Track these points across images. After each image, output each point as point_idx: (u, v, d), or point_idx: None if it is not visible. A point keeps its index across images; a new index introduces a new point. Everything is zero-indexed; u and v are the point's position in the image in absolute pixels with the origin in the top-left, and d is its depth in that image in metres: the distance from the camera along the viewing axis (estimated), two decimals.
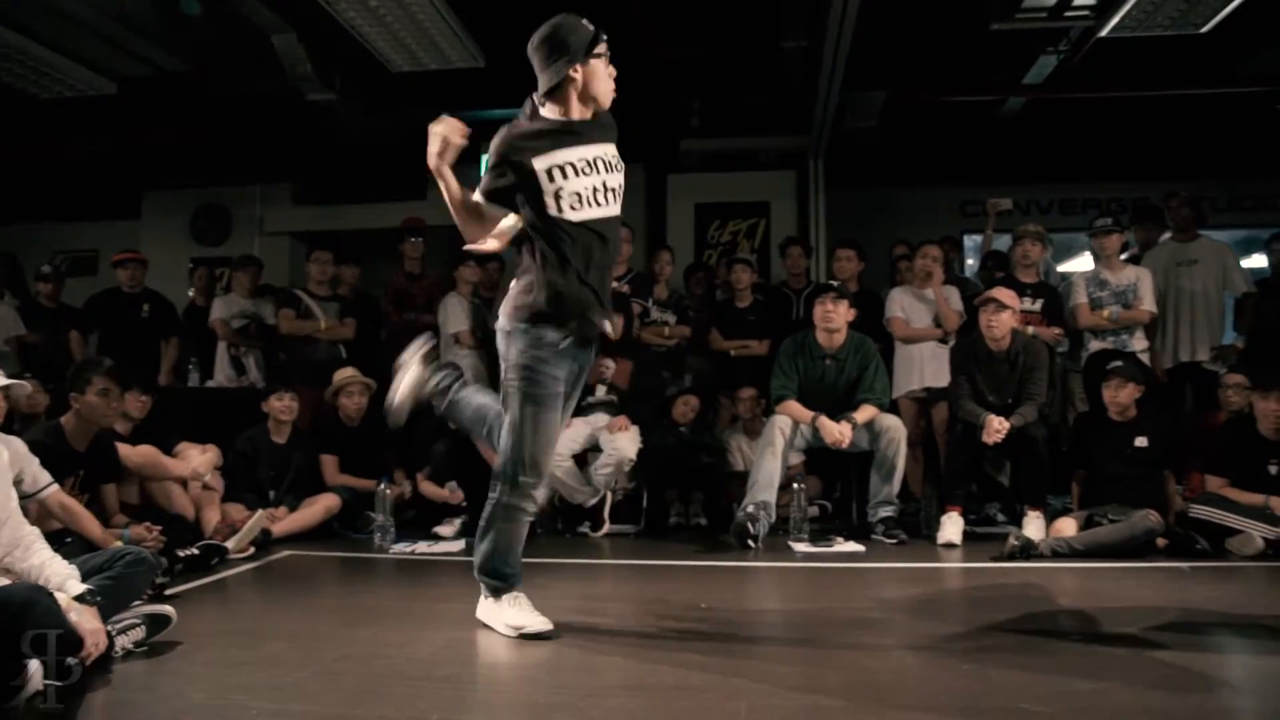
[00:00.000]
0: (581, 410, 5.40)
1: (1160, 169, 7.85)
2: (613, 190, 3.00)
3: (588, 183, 2.92)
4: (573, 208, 2.89)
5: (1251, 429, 4.66)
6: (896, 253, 6.67)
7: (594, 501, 5.28)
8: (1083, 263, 7.19)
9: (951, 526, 4.76)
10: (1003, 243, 6.78)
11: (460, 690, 2.44)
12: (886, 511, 4.94)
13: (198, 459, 4.80)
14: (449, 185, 2.88)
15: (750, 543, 4.64)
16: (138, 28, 6.07)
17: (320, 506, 5.12)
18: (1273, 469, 4.57)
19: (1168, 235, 6.01)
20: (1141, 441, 4.74)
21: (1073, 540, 4.36)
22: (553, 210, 2.88)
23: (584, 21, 2.89)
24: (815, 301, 5.18)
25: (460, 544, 4.76)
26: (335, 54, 6.43)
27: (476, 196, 2.93)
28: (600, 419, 5.36)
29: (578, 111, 2.94)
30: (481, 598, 3.03)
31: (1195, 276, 5.72)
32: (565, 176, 2.88)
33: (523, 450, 2.88)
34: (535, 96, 2.94)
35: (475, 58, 6.10)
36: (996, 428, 4.70)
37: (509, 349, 2.94)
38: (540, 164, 2.86)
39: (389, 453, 5.59)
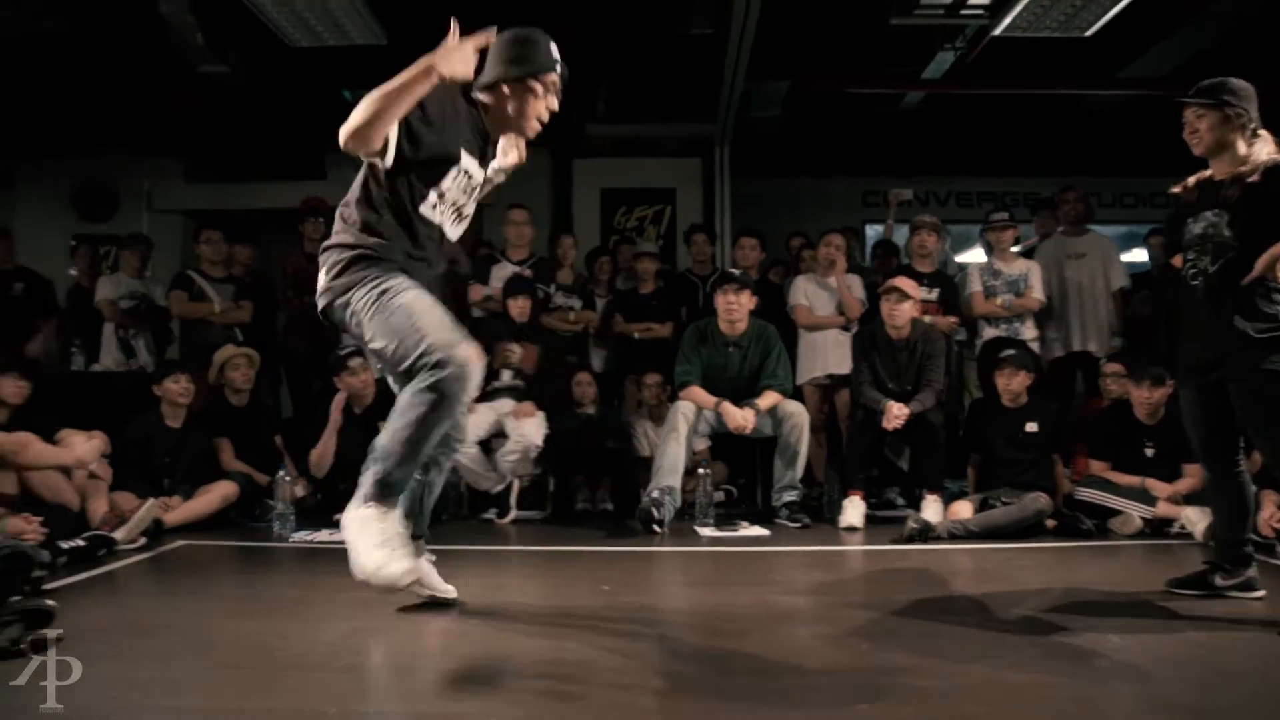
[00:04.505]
0: (487, 396, 5.36)
1: (1050, 165, 8.21)
2: (466, 218, 2.91)
3: (461, 201, 2.82)
4: (435, 207, 2.76)
5: (1129, 414, 4.92)
6: (794, 244, 6.81)
7: (500, 488, 5.24)
8: (977, 254, 7.45)
9: (853, 510, 4.89)
10: (903, 233, 6.98)
11: (360, 680, 2.39)
12: (790, 496, 5.04)
13: (83, 446, 4.55)
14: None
15: (656, 527, 4.67)
16: None
17: (217, 494, 4.94)
18: (1148, 452, 4.84)
19: (1059, 229, 6.27)
20: (1031, 427, 4.95)
21: (968, 523, 4.53)
22: (422, 202, 2.72)
23: (552, 47, 2.77)
24: (717, 292, 5.24)
25: None
26: (229, 26, 6.17)
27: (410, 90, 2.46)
28: (506, 405, 5.32)
29: (493, 125, 2.82)
30: (356, 502, 2.61)
31: (1083, 268, 5.99)
32: (456, 185, 2.77)
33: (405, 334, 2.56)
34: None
35: (377, 35, 5.93)
36: (896, 414, 4.84)
37: (347, 298, 2.66)
38: (466, 160, 2.75)
39: (278, 436, 5.46)
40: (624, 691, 2.25)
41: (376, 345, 2.64)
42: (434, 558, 3.12)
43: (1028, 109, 7.89)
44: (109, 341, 6.34)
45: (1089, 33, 5.88)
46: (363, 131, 2.47)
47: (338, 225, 2.77)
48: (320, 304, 2.77)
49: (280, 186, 7.78)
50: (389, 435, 2.57)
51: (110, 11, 6.01)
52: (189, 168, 8.37)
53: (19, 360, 5.05)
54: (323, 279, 2.74)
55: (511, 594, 3.50)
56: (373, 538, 2.55)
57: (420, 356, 2.52)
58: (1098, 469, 4.95)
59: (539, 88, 2.75)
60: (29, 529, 3.82)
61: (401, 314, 2.57)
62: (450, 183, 2.75)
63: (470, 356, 2.53)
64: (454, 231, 2.88)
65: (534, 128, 2.81)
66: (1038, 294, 5.75)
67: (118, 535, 4.20)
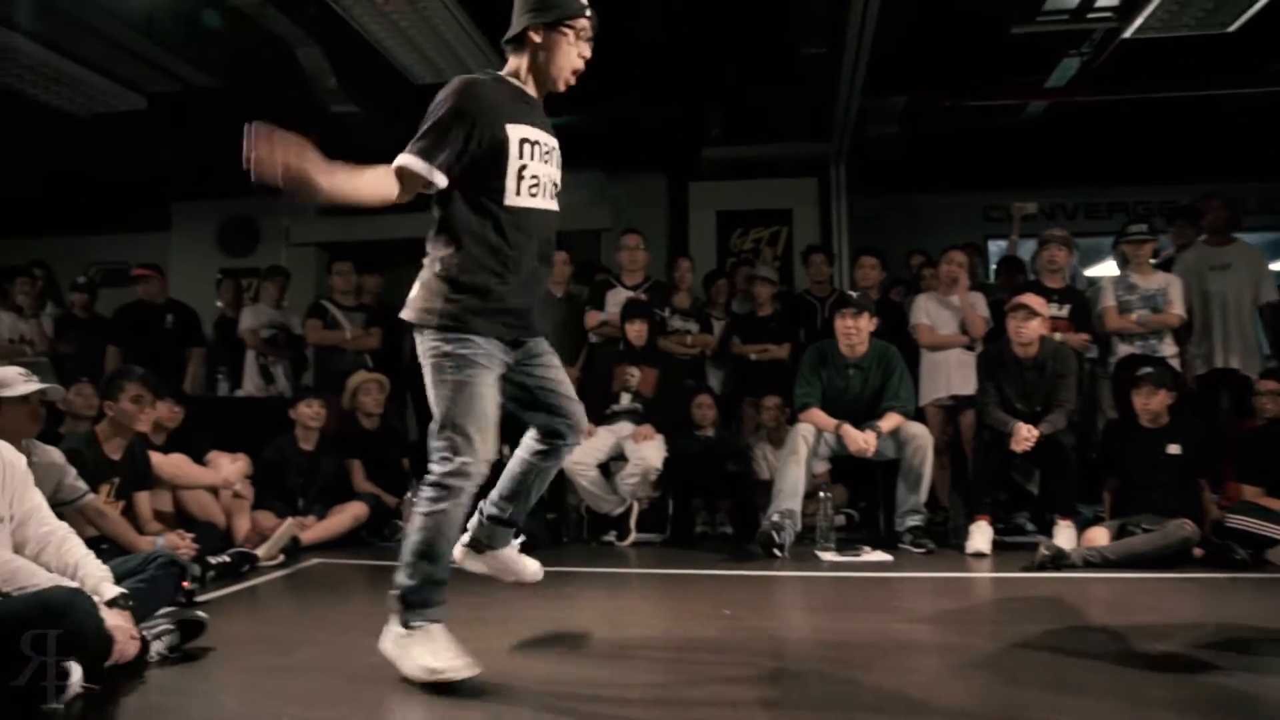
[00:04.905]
0: (606, 419, 5.43)
1: (1188, 171, 7.76)
2: (558, 188, 2.70)
3: (545, 170, 2.61)
4: (531, 193, 2.58)
5: None
6: (914, 262, 6.66)
7: (620, 510, 5.28)
8: (1108, 268, 7.13)
9: (980, 536, 4.72)
10: (1027, 248, 6.74)
11: (489, 699, 2.44)
12: (914, 520, 4.91)
13: (228, 468, 4.87)
14: (336, 180, 2.47)
15: (776, 552, 4.62)
16: (166, 44, 6.17)
17: (348, 515, 5.16)
18: None
19: (1201, 238, 5.94)
20: (1174, 449, 4.68)
21: (1105, 550, 4.31)
22: (511, 193, 2.54)
23: None
24: (836, 315, 5.17)
25: None
26: (358, 66, 6.49)
27: (415, 169, 2.51)
28: (625, 428, 5.37)
29: (531, 85, 2.64)
30: (390, 623, 2.52)
31: (1228, 280, 5.65)
32: (532, 156, 2.56)
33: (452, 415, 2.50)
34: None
35: (496, 68, 6.11)
36: (1025, 436, 4.66)
37: (421, 348, 2.60)
38: (514, 132, 2.52)
39: (406, 459, 5.65)
40: None
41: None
42: (520, 540, 3.07)
43: (1161, 112, 7.51)
44: (251, 368, 6.72)
45: (1232, 28, 5.57)
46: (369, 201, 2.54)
47: (426, 274, 2.64)
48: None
49: (405, 218, 8.05)
50: (408, 546, 2.52)
51: (252, 62, 6.42)
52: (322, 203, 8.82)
53: (175, 387, 5.42)
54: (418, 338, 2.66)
55: (632, 617, 3.52)
56: (420, 656, 2.44)
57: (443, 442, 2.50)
58: (1251, 494, 4.62)
59: (570, 33, 2.58)
60: (183, 545, 4.08)
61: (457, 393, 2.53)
62: (517, 161, 2.55)
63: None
64: (551, 204, 2.69)
65: (567, 79, 2.64)
66: (1178, 309, 5.44)
67: (259, 552, 4.45)
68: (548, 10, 2.57)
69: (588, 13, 2.62)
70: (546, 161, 2.62)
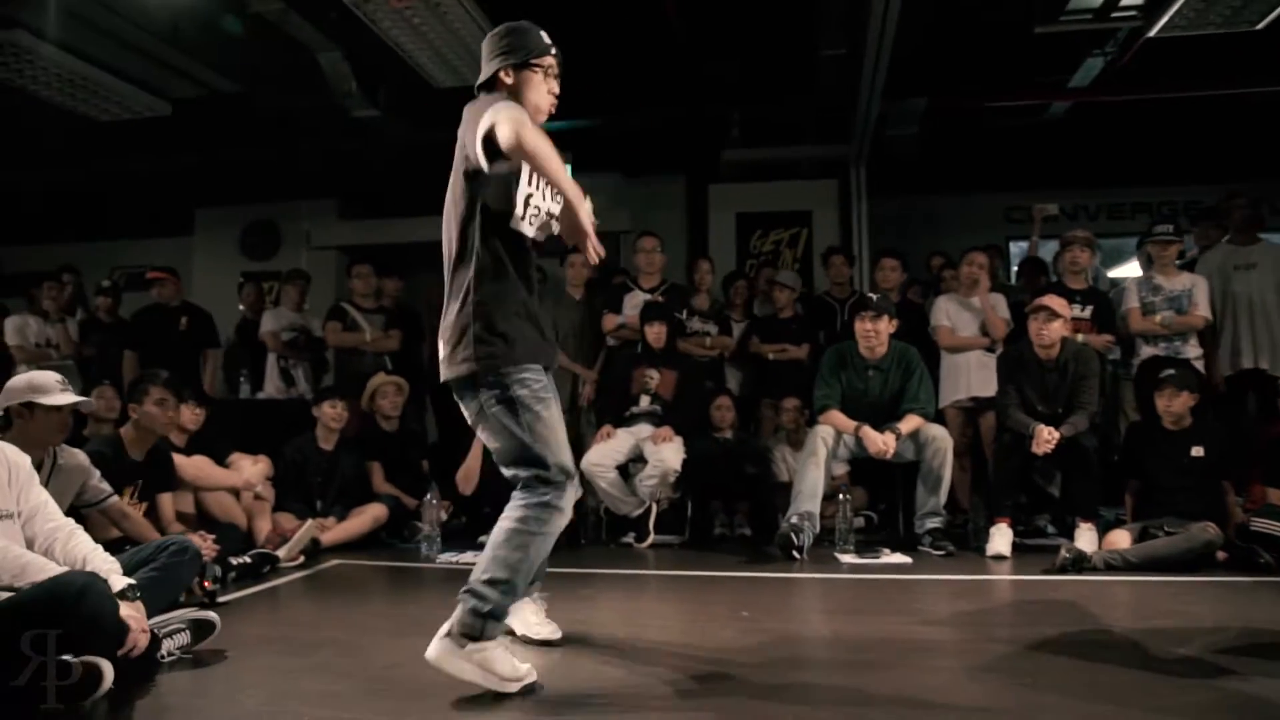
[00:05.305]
0: (625, 421, 5.43)
1: (1212, 171, 7.67)
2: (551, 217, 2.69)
3: (544, 204, 2.64)
4: (531, 223, 2.62)
5: None
6: (935, 263, 6.63)
7: (639, 512, 5.28)
8: (1131, 269, 7.06)
9: (1000, 538, 4.69)
10: (1049, 249, 6.69)
11: (508, 699, 2.45)
12: (934, 523, 4.88)
13: (250, 470, 4.91)
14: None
15: (795, 554, 4.61)
16: (190, 51, 6.24)
17: (368, 516, 5.19)
18: None
19: (1225, 238, 5.87)
20: (1198, 451, 4.62)
21: (1127, 553, 4.27)
22: (518, 219, 2.58)
23: (542, 34, 2.68)
24: (856, 318, 5.15)
25: None
26: (379, 71, 6.55)
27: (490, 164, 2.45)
28: (644, 429, 5.37)
29: None
30: (449, 634, 2.42)
31: (1254, 281, 5.59)
32: (534, 185, 2.59)
33: (537, 451, 2.50)
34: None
35: None
36: (1046, 438, 4.62)
37: (483, 398, 2.54)
38: None
39: (425, 460, 5.69)
40: None
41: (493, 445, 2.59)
42: (545, 596, 3.09)
43: (1185, 111, 7.43)
44: (272, 371, 6.77)
45: (1260, 25, 5.50)
46: (521, 151, 2.36)
47: (455, 319, 2.59)
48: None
49: (424, 220, 8.12)
50: (490, 563, 2.45)
51: (274, 68, 6.49)
52: (343, 206, 8.92)
53: (197, 389, 5.47)
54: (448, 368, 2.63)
55: (650, 619, 3.52)
56: (501, 667, 2.42)
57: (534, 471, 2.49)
58: (1276, 498, 4.56)
59: (539, 71, 2.64)
60: (205, 546, 4.09)
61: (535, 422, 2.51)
62: (526, 189, 2.58)
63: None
64: (539, 235, 2.71)
65: (540, 116, 2.67)
66: (1203, 311, 5.38)
67: (280, 553, 4.48)
68: (515, 52, 2.64)
69: (553, 51, 2.68)
70: (545, 196, 2.65)
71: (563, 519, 2.52)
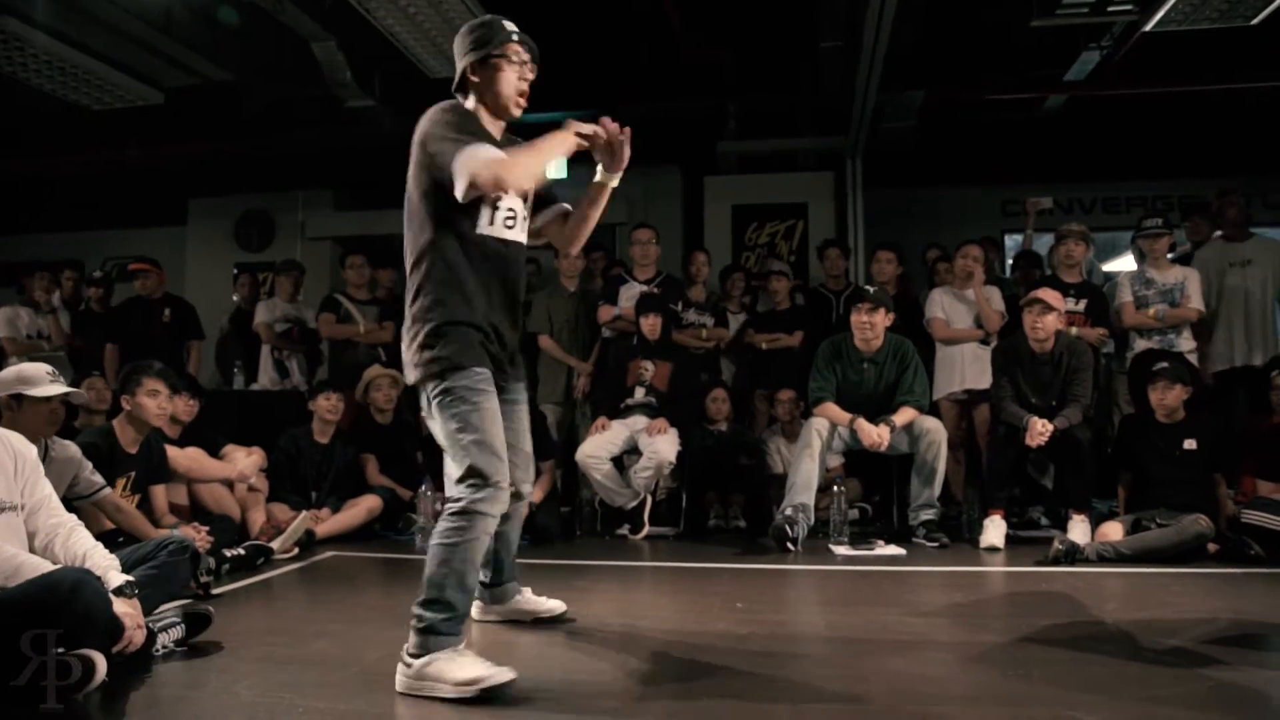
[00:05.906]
0: (620, 413, 5.43)
1: (1207, 165, 7.69)
2: (524, 218, 2.74)
3: (518, 204, 2.68)
4: (507, 225, 2.64)
5: None
6: (930, 256, 6.63)
7: (634, 504, 5.28)
8: (1126, 263, 7.07)
9: (994, 530, 4.70)
10: (1043, 242, 6.70)
11: (502, 692, 2.45)
12: (928, 515, 4.90)
13: (244, 461, 4.89)
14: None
15: (789, 545, 4.62)
16: (184, 39, 6.20)
17: (363, 508, 5.19)
18: None
19: (1218, 233, 5.88)
20: (1190, 444, 4.64)
21: (1119, 545, 4.29)
22: (485, 223, 2.60)
23: (506, 23, 2.67)
24: (851, 310, 5.15)
25: None
26: (374, 60, 6.52)
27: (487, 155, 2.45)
28: (639, 421, 5.37)
29: (489, 121, 2.67)
30: (405, 658, 2.40)
31: (1248, 276, 5.60)
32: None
33: (466, 441, 2.50)
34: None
35: None
36: (1040, 430, 4.64)
37: (425, 398, 2.59)
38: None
39: (420, 452, 5.68)
40: (758, 712, 2.23)
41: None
42: (526, 589, 3.19)
43: (1181, 106, 7.44)
44: (265, 362, 6.74)
45: (1255, 21, 5.51)
46: (509, 187, 2.49)
47: (409, 326, 2.62)
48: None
49: None
50: (424, 585, 2.44)
51: (268, 57, 6.45)
52: (338, 197, 8.88)
53: (190, 380, 5.44)
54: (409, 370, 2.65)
55: (645, 610, 3.53)
56: (454, 672, 2.34)
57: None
58: (1267, 490, 4.59)
59: (502, 60, 2.63)
60: (198, 538, 4.09)
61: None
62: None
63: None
64: (520, 235, 2.75)
65: (517, 103, 2.67)
66: (1196, 304, 5.40)
67: (274, 545, 4.47)
68: (478, 47, 2.65)
69: (515, 37, 2.66)
70: (520, 195, 2.66)
71: (486, 522, 2.48)
